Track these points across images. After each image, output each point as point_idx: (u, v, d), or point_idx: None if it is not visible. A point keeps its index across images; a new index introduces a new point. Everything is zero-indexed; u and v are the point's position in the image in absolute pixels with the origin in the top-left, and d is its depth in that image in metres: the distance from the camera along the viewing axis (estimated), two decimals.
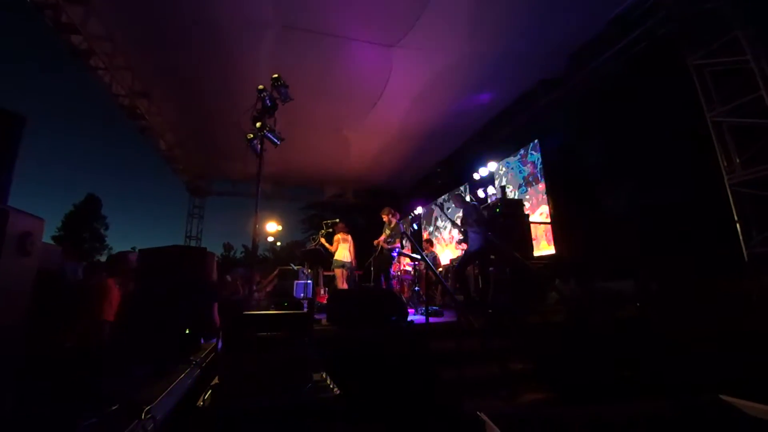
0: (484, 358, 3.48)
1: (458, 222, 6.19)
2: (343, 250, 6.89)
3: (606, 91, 6.25)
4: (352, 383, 2.51)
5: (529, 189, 8.14)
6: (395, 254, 6.48)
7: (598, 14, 5.50)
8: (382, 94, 7.20)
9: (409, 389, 3.09)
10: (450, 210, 10.73)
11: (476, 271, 6.04)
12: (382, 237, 6.45)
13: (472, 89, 7.23)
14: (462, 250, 6.71)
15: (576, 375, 3.42)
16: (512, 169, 8.81)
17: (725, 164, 4.87)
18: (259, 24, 5.53)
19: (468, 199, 9.61)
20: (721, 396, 1.69)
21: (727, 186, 4.79)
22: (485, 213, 5.87)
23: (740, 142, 4.78)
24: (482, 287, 5.54)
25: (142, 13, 5.44)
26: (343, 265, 6.86)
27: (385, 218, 6.54)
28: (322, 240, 6.92)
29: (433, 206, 11.92)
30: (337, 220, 7.19)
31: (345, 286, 6.86)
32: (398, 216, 6.62)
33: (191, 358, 2.59)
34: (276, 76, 4.01)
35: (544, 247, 7.37)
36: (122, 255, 3.53)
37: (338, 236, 6.98)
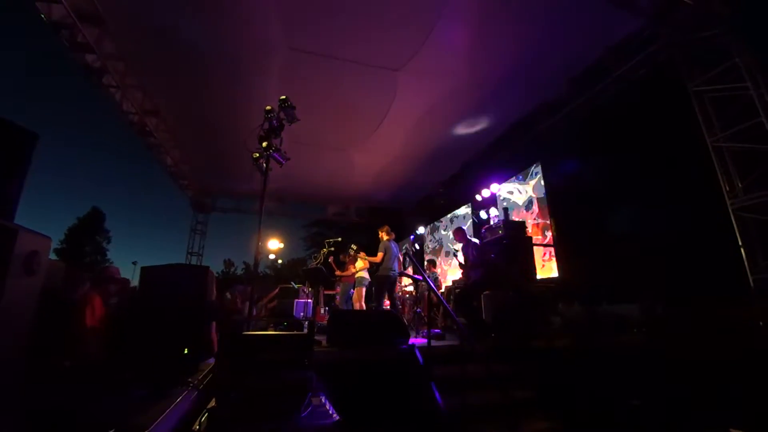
0: (488, 384, 3.40)
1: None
2: (364, 270, 6.98)
3: (607, 116, 6.34)
4: (351, 408, 2.45)
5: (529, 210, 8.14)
6: (394, 274, 6.41)
7: (598, 40, 5.63)
8: (386, 116, 7.33)
9: (411, 416, 3.01)
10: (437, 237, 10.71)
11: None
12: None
13: (475, 112, 7.35)
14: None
15: (581, 403, 3.34)
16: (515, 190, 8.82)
17: (727, 189, 4.88)
18: (268, 46, 5.69)
19: (469, 224, 9.64)
20: (731, 429, 1.64)
21: (730, 211, 4.79)
22: (489, 235, 5.86)
23: (741, 167, 4.81)
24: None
25: (153, 34, 5.61)
26: (364, 284, 6.93)
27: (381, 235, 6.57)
28: (340, 273, 7.09)
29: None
30: (340, 239, 7.22)
31: (364, 306, 6.87)
32: (393, 235, 6.62)
33: (189, 379, 2.54)
34: (283, 97, 4.08)
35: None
36: (104, 268, 3.68)
37: (363, 254, 7.03)
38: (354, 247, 7.03)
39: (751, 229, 4.68)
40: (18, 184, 1.81)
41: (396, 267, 6.29)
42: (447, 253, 11.26)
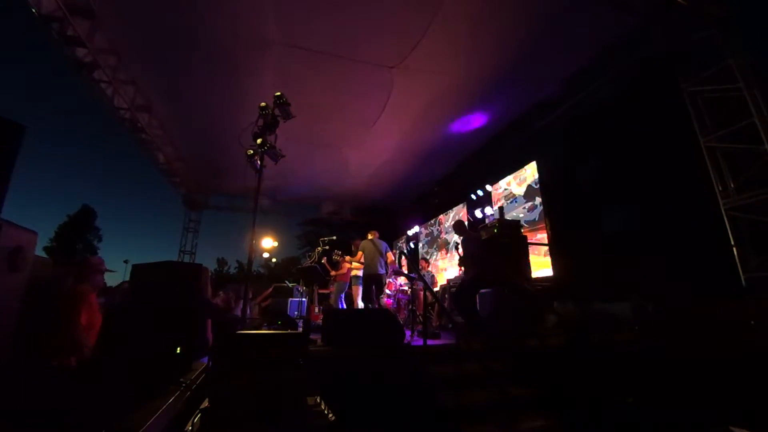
0: (484, 383, 3.39)
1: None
2: (360, 269, 6.97)
3: (602, 115, 6.37)
4: (347, 408, 2.42)
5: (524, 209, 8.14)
6: (382, 272, 6.43)
7: (592, 40, 5.65)
8: (382, 114, 7.29)
9: (407, 415, 2.99)
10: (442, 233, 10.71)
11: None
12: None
13: (470, 111, 7.35)
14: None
15: (577, 400, 3.34)
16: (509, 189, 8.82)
17: (720, 189, 4.93)
18: (263, 42, 5.63)
19: (465, 220, 9.64)
20: (731, 427, 1.64)
21: (723, 211, 4.83)
22: (483, 234, 5.85)
23: (734, 167, 4.86)
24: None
25: (147, 28, 5.52)
26: (359, 283, 6.90)
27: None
28: (334, 273, 7.04)
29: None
30: (335, 238, 7.17)
31: (360, 304, 6.85)
32: (376, 234, 6.76)
33: (181, 379, 2.49)
34: (278, 94, 4.04)
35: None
36: (85, 258, 3.35)
37: (348, 257, 6.99)
38: (339, 252, 7.07)
39: (742, 228, 4.73)
40: (4, 177, 1.75)
41: (379, 265, 6.34)
42: (446, 242, 11.13)
